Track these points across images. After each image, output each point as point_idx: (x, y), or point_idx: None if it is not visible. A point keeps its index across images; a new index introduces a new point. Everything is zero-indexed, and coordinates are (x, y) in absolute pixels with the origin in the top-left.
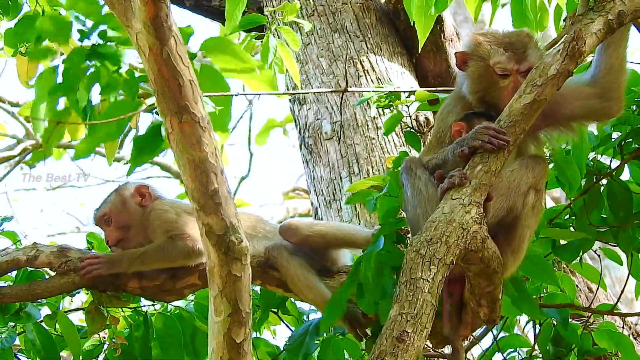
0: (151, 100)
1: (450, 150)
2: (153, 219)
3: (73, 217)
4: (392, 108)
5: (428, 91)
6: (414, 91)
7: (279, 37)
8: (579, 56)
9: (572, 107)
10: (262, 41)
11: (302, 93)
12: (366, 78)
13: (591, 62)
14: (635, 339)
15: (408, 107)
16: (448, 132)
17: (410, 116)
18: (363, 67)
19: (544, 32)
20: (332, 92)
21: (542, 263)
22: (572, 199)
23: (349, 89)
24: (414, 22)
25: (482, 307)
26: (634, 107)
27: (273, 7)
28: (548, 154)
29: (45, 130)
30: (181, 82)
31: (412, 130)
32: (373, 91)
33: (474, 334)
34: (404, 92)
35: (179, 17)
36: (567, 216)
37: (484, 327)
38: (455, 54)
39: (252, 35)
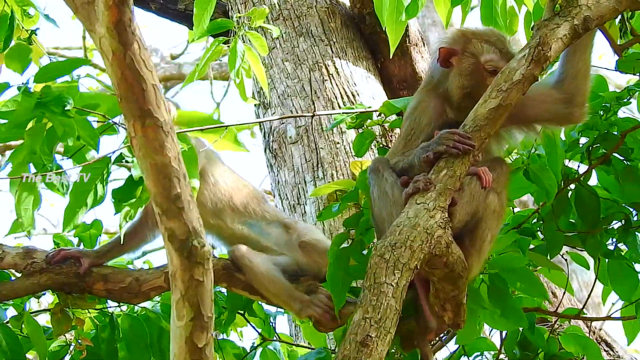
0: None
1: (416, 155)
2: None
3: (45, 218)
4: (363, 127)
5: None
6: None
7: (244, 42)
8: (545, 61)
9: (537, 110)
10: (229, 46)
11: (272, 120)
12: (331, 82)
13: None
14: (599, 344)
15: (381, 125)
16: (420, 133)
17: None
18: (328, 71)
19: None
20: (300, 116)
21: (530, 277)
22: (540, 203)
23: (317, 113)
24: (384, 27)
25: (447, 311)
26: (602, 113)
27: (239, 12)
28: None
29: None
30: (144, 87)
31: (383, 147)
32: (343, 113)
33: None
34: (375, 111)
35: (145, 20)
36: (535, 220)
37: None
38: (439, 49)
39: (220, 40)
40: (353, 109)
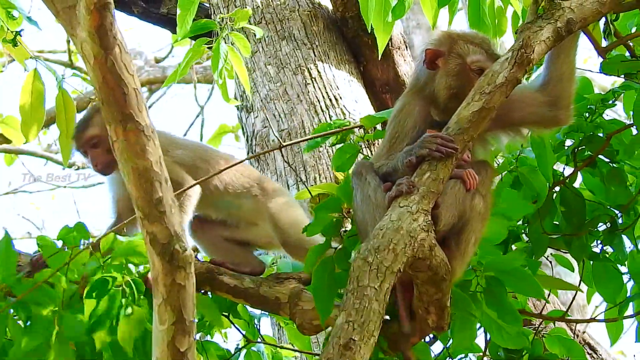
0: None
1: (399, 159)
2: None
3: (29, 221)
4: (345, 141)
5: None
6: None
7: (227, 43)
8: (528, 64)
9: (522, 113)
10: (212, 47)
11: (251, 158)
12: (313, 86)
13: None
14: (583, 347)
15: (362, 138)
16: (404, 136)
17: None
18: (310, 74)
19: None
20: (271, 150)
21: (526, 277)
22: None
23: (284, 144)
24: (371, 29)
25: (431, 314)
26: (587, 115)
27: (222, 13)
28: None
29: None
30: (126, 91)
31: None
32: (317, 136)
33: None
34: (354, 127)
35: (129, 23)
36: (520, 222)
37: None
38: (425, 50)
39: (203, 40)
40: (331, 124)
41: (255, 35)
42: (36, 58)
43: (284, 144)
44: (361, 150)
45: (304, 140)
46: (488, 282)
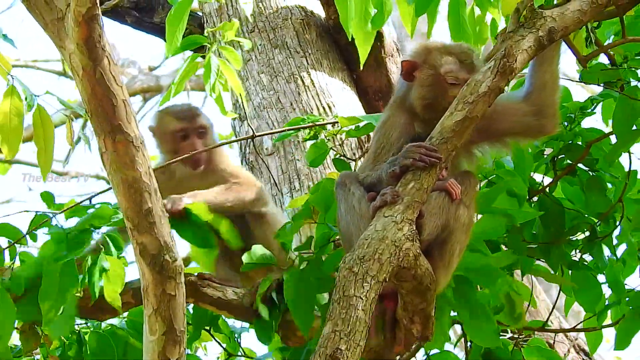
0: None
1: (384, 170)
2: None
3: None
4: (318, 139)
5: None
6: (336, 121)
7: (220, 56)
8: (510, 73)
9: (507, 124)
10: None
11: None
12: (307, 94)
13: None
14: (578, 353)
15: (334, 137)
16: (390, 147)
17: (341, 144)
18: (304, 82)
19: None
20: (243, 139)
21: (493, 273)
22: None
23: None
24: (351, 38)
25: (415, 324)
26: (566, 123)
27: (214, 24)
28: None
29: None
30: (114, 102)
31: (342, 157)
32: (289, 129)
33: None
34: (327, 124)
35: (123, 32)
36: None
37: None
38: (402, 62)
39: (195, 55)
40: (304, 119)
41: (245, 47)
42: (12, 76)
43: (257, 134)
44: (334, 147)
45: (276, 132)
46: (457, 281)
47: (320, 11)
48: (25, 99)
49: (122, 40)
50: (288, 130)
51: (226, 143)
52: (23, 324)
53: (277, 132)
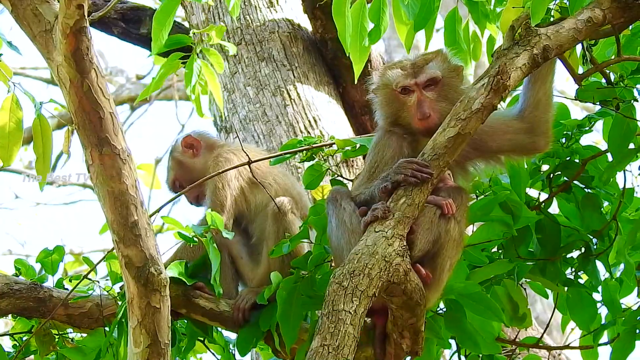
0: None
1: (376, 186)
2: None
3: (11, 236)
4: (314, 160)
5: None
6: (332, 143)
7: (203, 59)
8: (504, 90)
9: (500, 141)
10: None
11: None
12: (292, 107)
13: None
14: None
15: (331, 157)
16: (384, 165)
17: (337, 164)
18: (290, 96)
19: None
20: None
21: (485, 301)
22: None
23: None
24: (348, 53)
25: (405, 338)
26: (563, 140)
27: (198, 28)
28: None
29: None
30: (102, 115)
31: (339, 177)
32: (286, 153)
33: None
34: (324, 145)
35: (108, 42)
36: (495, 249)
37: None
38: (371, 91)
39: (177, 55)
40: (301, 141)
41: (234, 56)
42: (14, 83)
43: (252, 160)
44: (331, 168)
45: (274, 157)
46: (448, 306)
47: (307, 25)
48: (34, 105)
49: (110, 49)
50: (285, 154)
51: (225, 171)
52: (38, 328)
53: (273, 157)
